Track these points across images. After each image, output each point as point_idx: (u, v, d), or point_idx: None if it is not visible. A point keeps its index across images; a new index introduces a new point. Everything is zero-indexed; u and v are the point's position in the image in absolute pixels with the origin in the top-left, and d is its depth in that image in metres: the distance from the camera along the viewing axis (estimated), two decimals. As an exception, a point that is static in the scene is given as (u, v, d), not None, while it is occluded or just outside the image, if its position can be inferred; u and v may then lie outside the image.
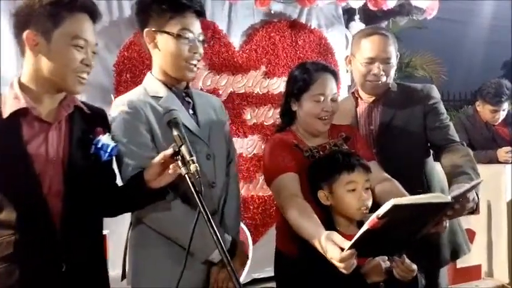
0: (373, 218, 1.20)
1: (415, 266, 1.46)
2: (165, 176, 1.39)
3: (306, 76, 1.75)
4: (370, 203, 1.55)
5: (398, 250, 1.48)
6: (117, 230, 2.39)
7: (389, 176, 1.70)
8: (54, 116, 1.38)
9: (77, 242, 1.38)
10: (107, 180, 1.50)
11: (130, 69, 2.85)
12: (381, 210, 1.18)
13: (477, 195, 1.60)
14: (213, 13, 3.19)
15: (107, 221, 2.05)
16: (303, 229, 1.47)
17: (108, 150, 1.41)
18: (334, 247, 1.29)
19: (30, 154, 1.32)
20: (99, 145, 1.40)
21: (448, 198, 1.29)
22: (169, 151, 1.34)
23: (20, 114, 1.33)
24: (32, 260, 1.32)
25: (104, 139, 1.41)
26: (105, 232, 2.37)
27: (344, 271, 1.27)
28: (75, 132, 1.40)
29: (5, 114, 1.32)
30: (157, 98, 1.59)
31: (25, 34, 1.34)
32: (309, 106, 1.74)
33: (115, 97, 2.78)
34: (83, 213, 1.41)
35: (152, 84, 1.63)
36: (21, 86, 1.37)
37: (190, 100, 1.68)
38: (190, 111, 1.65)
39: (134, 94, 1.62)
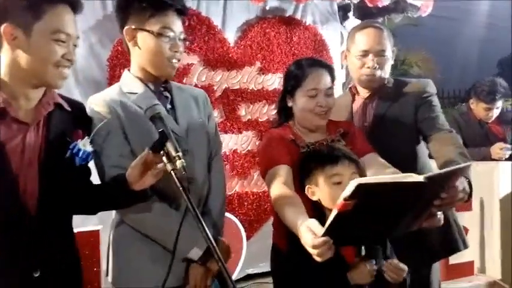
0: (340, 200, 1.15)
1: (404, 266, 1.43)
2: (148, 178, 1.36)
3: (299, 72, 1.75)
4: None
5: (378, 239, 1.44)
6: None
7: (390, 165, 1.68)
8: (33, 116, 1.34)
9: (51, 244, 1.35)
10: (82, 181, 1.46)
11: (124, 64, 2.81)
12: (346, 191, 1.13)
13: (470, 185, 1.53)
14: (208, 8, 3.18)
15: (100, 217, 2.04)
16: (286, 218, 1.45)
17: (83, 156, 1.38)
18: (309, 234, 1.25)
19: (8, 155, 1.28)
20: (75, 150, 1.37)
21: (420, 178, 1.20)
22: (145, 152, 1.32)
23: None
24: (4, 263, 1.28)
25: (81, 144, 1.38)
26: (98, 227, 2.38)
27: (318, 259, 1.23)
28: (52, 133, 1.36)
29: None
30: (131, 94, 1.58)
31: (3, 28, 1.27)
32: (302, 101, 1.74)
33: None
34: (58, 216, 1.38)
35: (128, 81, 1.62)
36: None
37: (168, 95, 1.65)
38: (168, 106, 1.63)
39: (108, 92, 1.61)
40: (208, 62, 3.17)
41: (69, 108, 1.43)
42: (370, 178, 1.21)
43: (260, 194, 3.33)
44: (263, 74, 3.38)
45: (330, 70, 1.78)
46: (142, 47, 1.57)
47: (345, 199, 1.14)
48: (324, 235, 1.21)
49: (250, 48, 3.33)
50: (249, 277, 3.18)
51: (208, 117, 1.74)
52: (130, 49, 1.62)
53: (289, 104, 1.79)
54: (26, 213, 1.30)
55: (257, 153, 2.65)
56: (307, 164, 1.60)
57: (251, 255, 3.13)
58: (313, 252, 1.22)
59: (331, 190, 1.50)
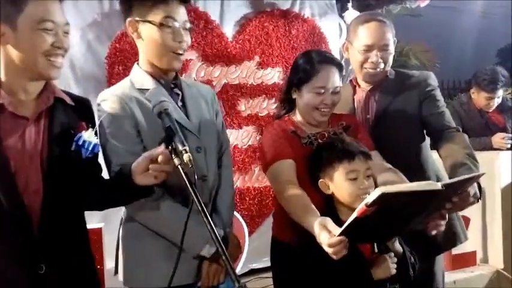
0: (361, 206, 1.19)
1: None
2: (148, 176, 1.32)
3: (308, 67, 1.72)
4: (372, 191, 1.51)
5: (391, 236, 1.48)
6: (113, 223, 2.39)
7: (391, 166, 1.69)
8: (32, 110, 1.32)
9: (57, 241, 1.33)
10: (91, 175, 1.44)
11: (123, 62, 2.82)
12: (369, 199, 1.17)
13: (479, 190, 1.55)
14: (205, 3, 3.16)
15: (102, 214, 2.04)
16: (298, 216, 1.48)
17: (90, 148, 1.34)
18: (325, 233, 1.29)
19: (6, 151, 1.26)
20: (80, 142, 1.34)
21: (438, 186, 1.26)
22: (160, 150, 1.28)
23: None
24: (7, 261, 1.27)
25: (86, 136, 1.34)
26: (100, 225, 2.38)
27: (333, 256, 1.28)
28: (55, 127, 1.34)
29: None
30: (143, 90, 1.55)
31: None
32: (308, 97, 1.72)
33: (108, 90, 2.76)
34: (64, 210, 1.36)
35: (139, 76, 1.59)
36: None
37: (179, 91, 1.63)
38: (179, 103, 1.61)
39: (120, 88, 1.58)
40: (206, 57, 3.16)
41: (72, 103, 1.41)
42: (393, 187, 1.24)
43: (261, 189, 3.32)
44: (262, 68, 3.37)
45: (340, 67, 1.75)
46: (145, 39, 1.55)
47: (367, 205, 1.17)
48: (339, 235, 1.26)
49: (248, 42, 3.31)
50: (251, 272, 3.19)
51: (216, 114, 1.73)
52: (136, 42, 1.59)
53: (294, 96, 1.78)
54: (28, 210, 1.28)
55: (258, 148, 2.65)
56: (322, 157, 1.58)
57: (253, 250, 3.14)
58: (329, 250, 1.28)
59: (347, 186, 1.51)
